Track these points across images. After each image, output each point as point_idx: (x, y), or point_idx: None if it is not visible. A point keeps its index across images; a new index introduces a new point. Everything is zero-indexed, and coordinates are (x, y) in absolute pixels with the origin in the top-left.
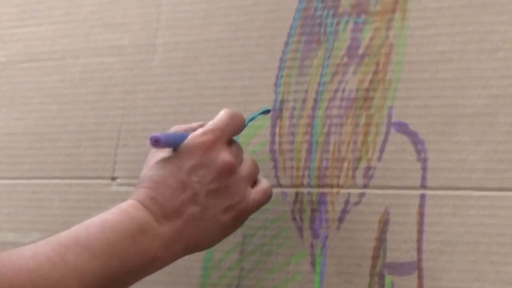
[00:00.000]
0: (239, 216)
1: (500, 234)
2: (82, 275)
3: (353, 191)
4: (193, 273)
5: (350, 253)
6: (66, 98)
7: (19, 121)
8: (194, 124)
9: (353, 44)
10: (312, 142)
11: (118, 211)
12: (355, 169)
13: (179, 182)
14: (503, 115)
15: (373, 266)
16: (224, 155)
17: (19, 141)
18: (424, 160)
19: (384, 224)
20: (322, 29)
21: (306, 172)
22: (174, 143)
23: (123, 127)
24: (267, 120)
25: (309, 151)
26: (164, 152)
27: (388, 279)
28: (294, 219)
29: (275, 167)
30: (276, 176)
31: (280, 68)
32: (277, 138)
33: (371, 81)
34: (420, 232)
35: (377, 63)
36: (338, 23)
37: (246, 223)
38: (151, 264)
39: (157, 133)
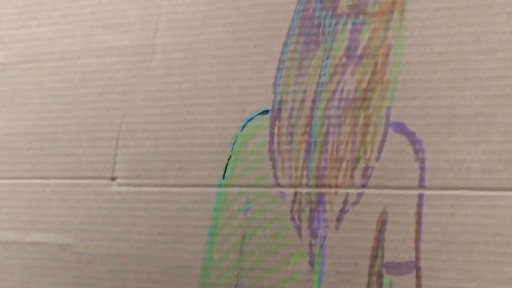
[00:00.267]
0: None
1: (497, 233)
2: None
3: (352, 191)
4: (192, 273)
5: (349, 253)
6: (66, 99)
7: (19, 121)
8: None
9: (352, 44)
10: (311, 142)
11: None
12: (353, 169)
13: None
14: (501, 116)
15: (372, 266)
16: None
17: (19, 141)
18: (422, 160)
19: (382, 223)
20: (321, 30)
21: (305, 172)
22: None
23: (122, 127)
24: (265, 120)
25: (307, 151)
26: None
27: (386, 278)
28: (292, 219)
29: (274, 167)
30: (275, 176)
31: (279, 69)
32: (275, 138)
33: (369, 82)
34: (418, 231)
35: (375, 64)
36: (336, 24)
37: (245, 223)
38: None
39: None
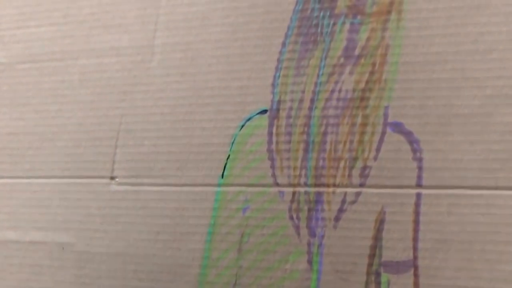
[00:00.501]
0: None
1: (495, 232)
2: None
3: (350, 190)
4: (191, 271)
5: (347, 252)
6: (65, 99)
7: (19, 121)
8: None
9: (350, 44)
10: (309, 141)
11: None
12: (351, 168)
13: None
14: (498, 115)
15: (370, 265)
16: None
17: (19, 141)
18: (419, 160)
19: (380, 223)
20: (319, 30)
21: (303, 172)
22: None
23: (122, 127)
24: (264, 120)
25: (306, 151)
26: None
27: (384, 277)
28: (291, 218)
29: (272, 167)
30: (273, 176)
31: (277, 69)
32: (274, 138)
33: (367, 81)
34: (416, 230)
35: (373, 64)
36: (334, 24)
37: (244, 222)
38: None
39: None
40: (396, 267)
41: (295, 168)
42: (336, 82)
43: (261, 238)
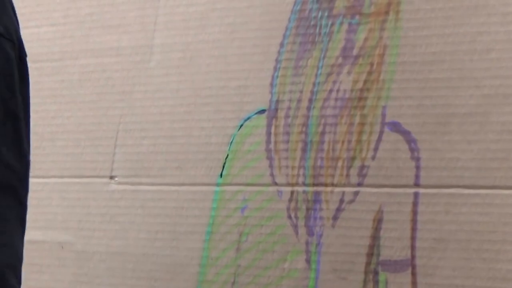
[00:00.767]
0: None
1: (491, 231)
2: None
3: (348, 189)
4: (190, 270)
5: (345, 251)
6: (65, 98)
7: None
8: None
9: (348, 45)
10: (307, 141)
11: None
12: (349, 167)
13: None
14: (495, 115)
15: (368, 263)
16: None
17: None
18: (417, 159)
19: (378, 222)
20: (317, 30)
21: (301, 171)
22: None
23: (121, 127)
24: (262, 119)
25: (304, 150)
26: None
27: (382, 276)
28: (289, 217)
29: (271, 166)
30: (272, 175)
31: (276, 69)
32: (272, 138)
33: (365, 81)
34: (413, 229)
35: (371, 64)
36: (332, 24)
37: (243, 221)
38: None
39: None
40: (394, 265)
41: (293, 167)
42: (334, 82)
43: (260, 237)
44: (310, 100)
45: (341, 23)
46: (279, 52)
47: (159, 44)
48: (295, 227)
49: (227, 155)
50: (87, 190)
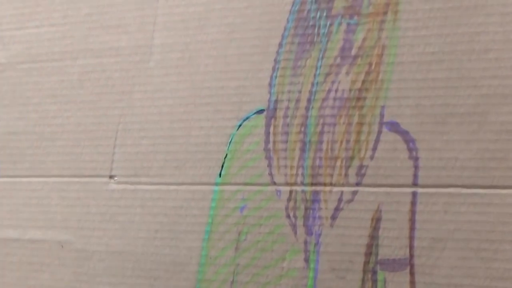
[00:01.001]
0: None
1: (490, 231)
2: None
3: (346, 189)
4: (189, 269)
5: (343, 250)
6: (65, 98)
7: (19, 120)
8: None
9: (346, 45)
10: (306, 141)
11: None
12: (348, 167)
13: None
14: (493, 114)
15: (366, 263)
16: None
17: (19, 140)
18: (415, 159)
19: (376, 221)
20: (316, 31)
21: (300, 171)
22: None
23: (120, 127)
24: (261, 119)
25: (302, 150)
26: None
27: (380, 275)
28: (288, 216)
29: (269, 166)
30: (271, 174)
31: (274, 69)
32: (271, 137)
33: (363, 81)
34: (412, 229)
35: (370, 64)
36: (331, 25)
37: (241, 220)
38: None
39: None
40: (393, 265)
41: (292, 167)
42: (333, 82)
43: (259, 236)
44: (309, 100)
45: (340, 24)
46: (277, 52)
47: (158, 44)
48: (294, 226)
49: (226, 154)
50: (86, 190)
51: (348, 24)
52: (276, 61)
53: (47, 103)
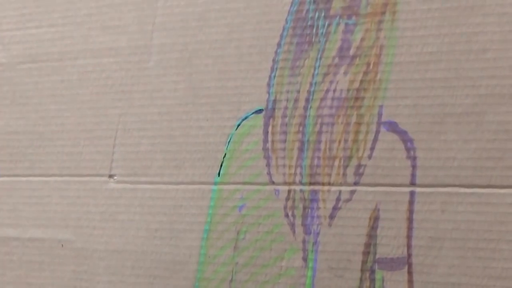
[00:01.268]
0: None
1: (487, 230)
2: None
3: (344, 188)
4: (189, 268)
5: (342, 249)
6: (64, 98)
7: (19, 120)
8: None
9: (344, 45)
10: (304, 140)
11: None
12: (346, 167)
13: None
14: (491, 114)
15: (364, 262)
16: None
17: (19, 139)
18: (413, 158)
19: (374, 220)
20: (314, 31)
21: (298, 170)
22: None
23: (120, 126)
24: (260, 119)
25: (301, 150)
26: None
27: (378, 274)
28: (286, 215)
29: (268, 165)
30: (269, 174)
31: (273, 69)
32: (269, 137)
33: (361, 81)
34: (409, 228)
35: (368, 64)
36: (329, 25)
37: (240, 219)
38: None
39: None
40: (390, 264)
41: (290, 166)
42: (331, 82)
43: (257, 235)
44: (307, 100)
45: (338, 24)
46: (276, 53)
47: (157, 45)
48: (292, 225)
49: (225, 154)
50: (86, 189)
51: (346, 24)
52: (274, 61)
53: (47, 103)
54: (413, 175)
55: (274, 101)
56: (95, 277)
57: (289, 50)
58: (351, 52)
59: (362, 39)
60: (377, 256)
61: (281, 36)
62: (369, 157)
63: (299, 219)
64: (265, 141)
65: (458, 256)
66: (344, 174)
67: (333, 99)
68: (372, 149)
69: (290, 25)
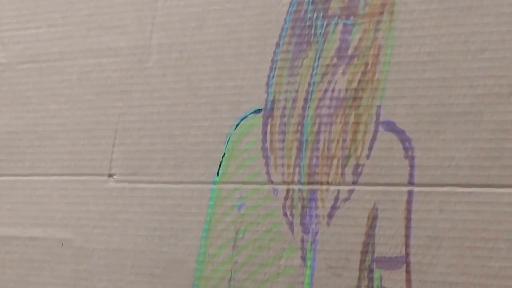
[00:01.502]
0: None
1: (485, 229)
2: None
3: (343, 187)
4: (188, 267)
5: (340, 248)
6: (64, 98)
7: (19, 120)
8: None
9: (343, 45)
10: (303, 140)
11: None
12: (344, 166)
13: None
14: (488, 114)
15: (362, 261)
16: None
17: (19, 139)
18: (411, 158)
19: (372, 219)
20: (312, 31)
21: (297, 170)
22: None
23: (119, 126)
24: (258, 119)
25: (299, 149)
26: None
27: (377, 272)
28: (285, 215)
29: (267, 165)
30: (268, 173)
31: (272, 69)
32: (268, 137)
33: (360, 81)
34: (407, 227)
35: (366, 64)
36: (328, 25)
37: (239, 219)
38: None
39: None
40: (389, 263)
41: (289, 166)
42: (329, 82)
43: (256, 234)
44: (306, 100)
45: (336, 24)
46: (275, 53)
47: (156, 45)
48: (291, 224)
49: (224, 153)
50: (86, 188)
51: (345, 24)
52: (273, 61)
53: (47, 103)
54: (411, 175)
55: (273, 101)
56: (94, 275)
57: (287, 50)
58: (349, 52)
59: (360, 39)
60: (375, 255)
61: (280, 36)
62: (367, 156)
63: (298, 218)
64: (264, 140)
65: (456, 255)
66: (343, 174)
67: (331, 99)
68: (370, 148)
69: (289, 25)
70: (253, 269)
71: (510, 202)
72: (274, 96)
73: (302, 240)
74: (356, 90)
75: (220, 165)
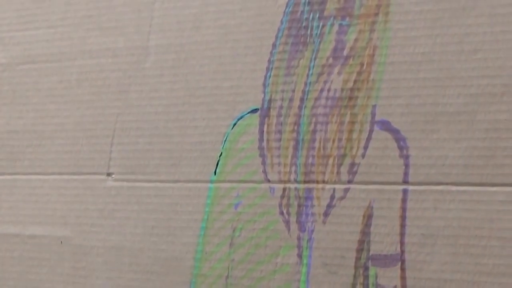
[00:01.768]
0: None
1: (479, 227)
2: None
3: (338, 186)
4: (185, 264)
5: (336, 246)
6: (63, 98)
7: (19, 119)
8: None
9: (338, 45)
10: (299, 139)
11: None
12: (340, 165)
13: None
14: (482, 113)
15: (358, 258)
16: None
17: (19, 138)
18: (406, 157)
19: (368, 218)
20: (309, 32)
21: (293, 168)
22: None
23: (117, 126)
24: (255, 118)
25: (295, 148)
26: None
27: (372, 270)
28: (281, 213)
29: (263, 164)
30: (264, 172)
31: (268, 69)
32: (265, 136)
33: (355, 81)
34: (402, 225)
35: (361, 64)
36: (323, 26)
37: (236, 217)
38: None
39: None
40: (384, 260)
41: (285, 165)
42: (325, 82)
43: (253, 232)
44: (302, 100)
45: (332, 25)
46: (271, 53)
47: (154, 46)
48: (287, 223)
49: (221, 153)
50: (85, 187)
51: (340, 25)
52: (269, 61)
53: (46, 103)
54: (405, 173)
55: (270, 100)
56: (93, 273)
57: (284, 51)
58: (345, 52)
59: (356, 40)
60: (371, 253)
61: (276, 37)
62: (363, 155)
63: (294, 216)
64: (261, 140)
65: (450, 253)
66: (338, 172)
67: (327, 98)
68: (365, 147)
69: (285, 26)
70: (250, 266)
71: (503, 201)
72: (271, 96)
73: (298, 238)
74: (351, 90)
75: (217, 164)
